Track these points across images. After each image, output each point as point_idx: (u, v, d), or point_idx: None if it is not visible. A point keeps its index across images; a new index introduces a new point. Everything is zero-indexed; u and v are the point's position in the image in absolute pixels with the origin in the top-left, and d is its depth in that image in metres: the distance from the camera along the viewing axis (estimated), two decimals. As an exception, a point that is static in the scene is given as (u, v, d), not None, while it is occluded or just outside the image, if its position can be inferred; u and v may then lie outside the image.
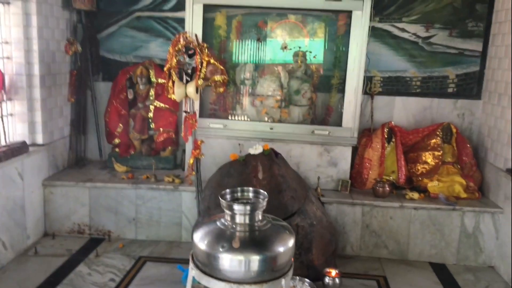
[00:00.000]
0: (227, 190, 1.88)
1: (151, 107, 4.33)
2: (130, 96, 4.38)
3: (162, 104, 4.29)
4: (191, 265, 1.73)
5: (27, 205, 3.69)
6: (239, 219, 1.61)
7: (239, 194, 1.88)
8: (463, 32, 4.18)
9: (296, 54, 4.13)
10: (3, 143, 3.65)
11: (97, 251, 3.67)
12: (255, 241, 1.61)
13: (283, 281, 1.55)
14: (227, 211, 1.68)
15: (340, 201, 3.83)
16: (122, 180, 4.01)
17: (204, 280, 1.65)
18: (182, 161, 4.33)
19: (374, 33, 4.19)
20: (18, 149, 3.57)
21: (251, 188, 1.79)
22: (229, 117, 4.18)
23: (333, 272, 3.30)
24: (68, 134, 4.38)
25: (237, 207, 1.63)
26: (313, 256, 3.34)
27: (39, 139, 3.93)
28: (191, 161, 3.57)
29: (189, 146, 3.89)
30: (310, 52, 4.13)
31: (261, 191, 1.66)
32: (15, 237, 3.55)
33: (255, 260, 1.51)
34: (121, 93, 4.34)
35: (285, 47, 4.13)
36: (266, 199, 1.64)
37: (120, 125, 4.36)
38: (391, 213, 3.81)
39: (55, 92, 4.11)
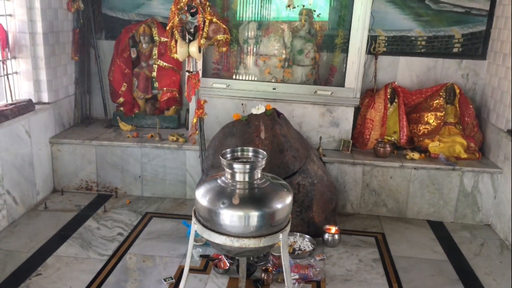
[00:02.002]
0: (228, 150, 1.94)
1: (155, 66, 4.33)
2: (134, 55, 4.38)
3: (165, 63, 4.29)
4: (193, 220, 1.81)
5: (35, 162, 3.79)
6: (239, 177, 1.67)
7: (239, 153, 1.93)
8: (471, -10, 4.10)
9: (300, 13, 4.08)
10: (9, 101, 3.70)
11: (105, 207, 3.80)
12: (254, 197, 1.68)
13: (280, 235, 1.63)
14: (228, 170, 1.75)
15: (341, 161, 3.90)
16: (127, 139, 4.08)
17: (206, 234, 1.73)
18: (186, 120, 4.38)
19: (380, -9, 4.11)
20: (24, 107, 3.63)
21: (250, 148, 1.84)
22: (232, 77, 4.19)
23: (333, 229, 3.41)
24: (73, 93, 4.43)
25: (237, 165, 1.69)
26: (313, 213, 3.44)
27: (45, 97, 3.97)
28: (195, 120, 3.62)
29: (192, 106, 3.92)
30: (314, 10, 4.07)
31: (261, 150, 1.72)
32: (25, 192, 3.67)
33: (254, 215, 1.58)
34: (124, 52, 4.34)
35: (289, 5, 4.07)
36: (265, 159, 1.70)
37: (124, 84, 4.38)
38: (391, 172, 3.88)
39: (58, 50, 4.12)
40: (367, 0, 3.76)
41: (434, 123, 4.09)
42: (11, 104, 3.55)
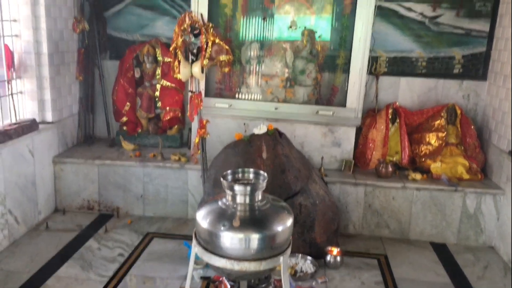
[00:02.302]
0: (229, 171, 1.95)
1: (158, 86, 4.37)
2: (137, 75, 4.42)
3: (168, 83, 4.33)
4: (194, 242, 1.81)
5: (38, 181, 3.80)
6: (239, 199, 1.68)
7: (240, 175, 1.94)
8: (471, 12, 4.14)
9: (302, 33, 4.13)
10: (13, 120, 3.73)
11: (106, 227, 3.79)
12: (254, 220, 1.68)
13: (281, 258, 1.62)
14: (228, 191, 1.75)
15: (343, 181, 3.89)
16: (129, 158, 4.10)
17: (206, 256, 1.73)
18: (189, 139, 4.40)
19: (381, 13, 4.16)
20: (28, 127, 3.65)
21: (251, 169, 1.85)
22: (235, 97, 4.22)
23: (335, 250, 3.39)
24: (77, 112, 4.46)
25: (237, 187, 1.70)
26: (315, 234, 3.42)
27: (49, 117, 4.01)
28: (197, 140, 3.64)
29: (195, 125, 3.95)
30: (316, 32, 4.12)
31: (261, 172, 1.72)
32: (27, 212, 3.67)
33: (254, 238, 1.58)
34: (128, 72, 4.39)
35: (291, 26, 4.12)
36: (265, 180, 1.70)
37: (128, 103, 4.42)
38: (393, 193, 3.87)
39: (63, 70, 4.17)
40: (368, 22, 3.81)
41: (436, 144, 4.10)
42: (15, 124, 3.58)
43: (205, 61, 3.37)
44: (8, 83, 3.71)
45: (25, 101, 3.90)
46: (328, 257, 3.35)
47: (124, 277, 3.10)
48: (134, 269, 3.21)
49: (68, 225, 3.83)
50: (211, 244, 1.67)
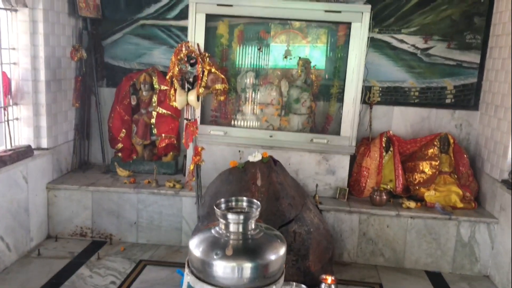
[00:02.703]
0: (222, 200, 1.95)
1: (154, 113, 4.41)
2: (134, 102, 4.47)
3: (164, 111, 4.37)
4: (186, 270, 1.80)
5: (31, 208, 3.77)
6: (233, 227, 1.68)
7: (233, 203, 1.95)
8: (461, 44, 4.25)
9: (297, 63, 4.21)
10: (8, 146, 3.74)
11: (99, 254, 3.75)
12: (247, 249, 1.68)
13: (274, 287, 1.62)
14: (222, 220, 1.76)
15: (338, 209, 3.90)
16: (124, 185, 4.09)
17: (199, 286, 1.72)
18: (184, 166, 4.41)
19: (374, 44, 4.27)
20: (23, 153, 3.65)
21: (245, 198, 1.86)
22: (230, 124, 4.26)
23: (329, 279, 3.34)
24: (72, 139, 4.47)
25: (231, 216, 1.71)
26: (309, 262, 3.39)
27: (44, 143, 4.02)
28: (192, 167, 3.65)
29: (190, 153, 3.96)
30: (310, 61, 4.21)
31: (255, 200, 1.73)
32: (19, 239, 3.63)
33: (247, 267, 1.58)
34: (124, 99, 4.43)
35: (286, 56, 4.21)
36: (259, 209, 1.72)
37: (123, 130, 4.44)
38: (387, 221, 3.87)
39: (60, 97, 4.20)
40: (361, 53, 3.89)
41: (429, 172, 4.13)
42: (10, 150, 3.58)
43: (201, 90, 3.42)
44: (4, 109, 3.74)
45: (21, 127, 3.92)
46: (323, 286, 3.30)
47: (116, 306, 3.06)
48: (126, 298, 3.17)
49: (60, 252, 3.79)
50: (203, 273, 1.67)
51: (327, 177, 4.12)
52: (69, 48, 4.25)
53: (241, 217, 1.66)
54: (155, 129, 4.44)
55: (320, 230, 3.50)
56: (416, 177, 4.16)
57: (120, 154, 4.50)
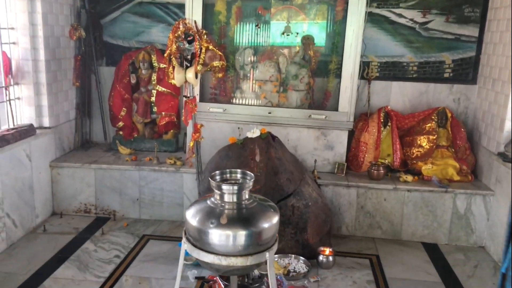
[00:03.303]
0: (217, 172, 2.02)
1: (154, 92, 4.45)
2: (133, 81, 4.50)
3: (164, 89, 4.41)
4: (183, 239, 1.88)
5: (35, 185, 3.86)
6: (227, 198, 1.75)
7: (228, 175, 2.01)
8: (460, 17, 4.23)
9: (302, 40, 4.21)
10: (11, 125, 3.80)
11: (103, 230, 3.85)
12: (241, 217, 1.75)
13: (267, 254, 1.69)
14: (217, 191, 1.83)
15: (336, 183, 3.96)
16: (126, 162, 4.16)
17: (195, 253, 1.80)
18: (184, 144, 4.47)
19: (372, 19, 4.26)
20: (25, 132, 3.72)
21: (239, 170, 1.92)
22: (229, 102, 4.30)
23: (327, 251, 3.45)
24: (73, 118, 4.53)
25: (225, 186, 1.77)
26: (308, 235, 3.48)
27: (46, 122, 4.08)
28: (191, 144, 3.71)
29: (189, 130, 4.02)
30: (313, 39, 4.21)
31: (248, 172, 1.79)
32: (25, 215, 3.73)
33: (241, 235, 1.65)
34: (124, 78, 4.46)
35: (284, 32, 4.21)
36: (252, 180, 1.78)
37: (124, 108, 4.49)
38: (385, 195, 3.94)
39: (60, 76, 4.24)
40: (358, 28, 3.89)
41: (427, 146, 4.17)
42: (12, 129, 3.65)
43: (199, 67, 3.45)
44: (5, 89, 3.78)
45: (23, 107, 3.97)
46: (321, 257, 3.41)
47: (120, 278, 3.16)
48: (130, 270, 3.27)
49: (65, 228, 3.89)
50: (200, 241, 1.74)
51: (326, 153, 4.18)
52: (68, 27, 4.27)
53: (235, 187, 1.72)
54: (155, 107, 4.49)
55: (318, 204, 3.57)
56: (414, 151, 4.21)
57: (121, 133, 4.56)
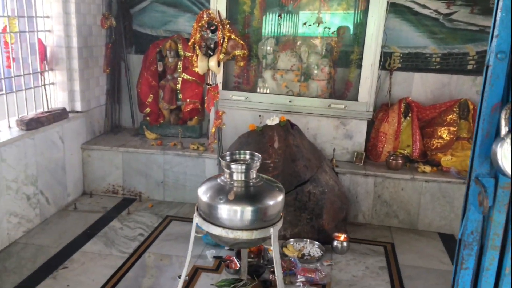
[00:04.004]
0: (227, 153, 2.16)
1: (179, 79, 4.62)
2: (160, 68, 4.68)
3: (189, 76, 4.56)
4: (195, 213, 2.03)
5: (67, 166, 4.10)
6: (236, 176, 1.88)
7: (237, 156, 2.14)
8: (484, 9, 4.19)
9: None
10: (45, 109, 4.04)
11: (129, 210, 4.07)
12: (248, 194, 1.89)
13: (271, 229, 1.82)
14: (226, 170, 1.96)
15: (354, 172, 4.04)
16: (151, 146, 4.36)
17: (205, 226, 1.94)
18: (207, 130, 4.63)
19: (395, 9, 4.27)
20: (59, 115, 3.95)
21: (248, 151, 2.04)
22: (251, 90, 4.42)
23: (342, 237, 3.55)
24: (104, 103, 4.75)
25: (234, 166, 1.91)
26: (323, 221, 3.59)
27: (78, 107, 4.31)
28: (213, 130, 3.85)
29: (212, 117, 4.16)
30: (329, 28, 4.27)
31: (256, 154, 1.91)
32: (57, 194, 3.98)
33: (247, 210, 1.79)
34: (151, 66, 4.64)
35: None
36: (259, 160, 1.90)
37: (151, 95, 4.68)
38: (402, 184, 3.99)
39: (91, 63, 4.46)
40: (380, 19, 3.93)
41: (447, 138, 4.18)
42: (47, 112, 3.88)
43: (221, 56, 3.58)
44: (41, 74, 4.02)
45: (57, 91, 4.21)
46: (335, 243, 3.51)
47: (143, 254, 3.36)
48: (153, 247, 3.46)
49: (94, 207, 4.13)
50: (210, 216, 1.89)
51: (345, 142, 4.25)
52: (99, 16, 4.47)
53: (243, 167, 1.85)
54: (181, 95, 4.65)
55: (335, 191, 3.67)
56: (434, 142, 4.23)
57: (148, 118, 4.76)
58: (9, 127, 3.59)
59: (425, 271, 3.34)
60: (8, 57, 3.68)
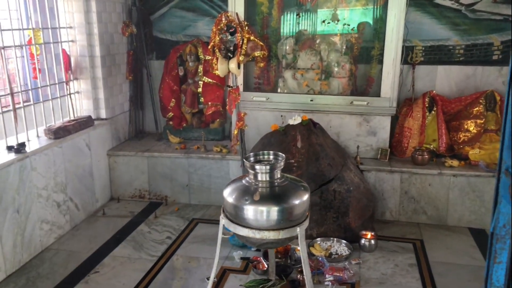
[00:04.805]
0: (251, 153, 2.17)
1: (200, 83, 4.66)
2: (181, 73, 4.73)
3: (210, 80, 4.60)
4: (222, 215, 2.04)
5: (95, 172, 4.19)
6: (260, 177, 1.88)
7: (261, 156, 2.14)
8: (508, -3, 4.09)
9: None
10: (72, 117, 4.14)
11: (156, 213, 4.12)
12: (274, 195, 1.89)
13: (298, 229, 1.81)
14: (251, 171, 1.97)
15: (379, 169, 3.99)
16: (175, 151, 4.41)
17: (232, 227, 1.95)
18: (230, 132, 4.65)
19: (415, 2, 4.21)
20: (85, 123, 4.04)
21: (271, 152, 2.05)
22: (272, 90, 4.42)
23: (369, 234, 3.51)
24: (128, 109, 4.83)
25: (258, 166, 1.91)
26: (350, 219, 3.56)
27: (103, 114, 4.39)
28: (236, 132, 3.87)
29: (234, 118, 4.18)
30: (349, 25, 4.24)
31: (280, 153, 1.91)
32: (86, 200, 4.06)
33: (273, 210, 1.79)
34: (172, 70, 4.70)
35: (324, 21, 4.26)
36: (283, 160, 1.90)
37: (173, 100, 4.73)
38: (430, 180, 3.92)
39: (114, 71, 4.54)
40: (400, 12, 3.88)
41: (474, 131, 4.09)
42: (73, 120, 3.97)
43: (241, 57, 3.59)
44: (66, 84, 4.11)
45: (82, 100, 4.30)
46: (363, 241, 3.48)
47: (171, 257, 3.40)
48: (180, 250, 3.50)
49: (122, 212, 4.20)
50: (236, 217, 1.90)
51: (368, 139, 4.20)
52: (120, 24, 4.55)
53: (268, 167, 1.86)
54: (202, 98, 4.69)
55: (360, 189, 3.63)
56: (461, 136, 4.14)
57: (171, 123, 4.81)
58: (38, 136, 3.69)
59: (456, 267, 3.28)
60: (34, 69, 3.79)
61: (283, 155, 1.97)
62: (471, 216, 3.91)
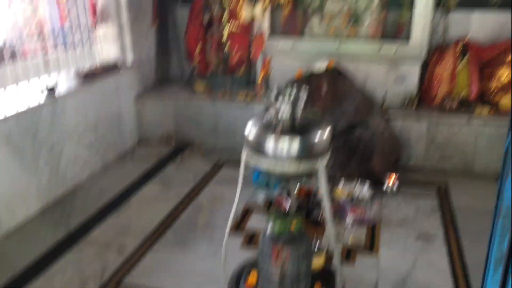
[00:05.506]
0: (274, 88, 2.20)
1: (226, 30, 4.61)
2: (206, 20, 4.69)
3: (235, 26, 4.54)
4: (244, 147, 2.11)
5: (123, 116, 4.30)
6: (282, 109, 1.90)
7: (284, 91, 2.15)
8: None
9: None
10: (99, 63, 4.21)
11: (182, 156, 4.24)
12: (295, 126, 1.92)
13: (318, 161, 1.86)
14: (273, 103, 1.99)
15: (406, 116, 3.94)
16: (201, 96, 4.45)
17: (254, 159, 2.02)
18: (255, 79, 4.64)
19: None
20: (112, 68, 4.11)
21: (294, 86, 2.05)
22: (298, 37, 4.35)
23: (392, 178, 3.52)
24: (153, 56, 4.87)
25: (280, 97, 1.93)
26: (373, 164, 3.56)
27: (129, 60, 4.44)
28: (261, 77, 3.87)
29: (259, 65, 4.17)
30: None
31: (303, 87, 1.92)
32: (115, 141, 4.20)
33: (294, 142, 1.82)
34: (198, 17, 4.65)
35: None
36: (306, 94, 1.91)
37: (198, 47, 4.72)
38: (457, 128, 3.86)
39: (140, 17, 4.54)
40: (434, -49, 3.70)
41: (508, 78, 3.97)
42: (101, 66, 4.04)
43: (266, 3, 3.53)
44: (93, 29, 4.15)
45: (109, 45, 4.35)
46: (386, 184, 3.50)
47: (197, 196, 3.52)
48: (206, 190, 3.62)
49: (150, 154, 4.32)
50: (258, 149, 1.96)
51: (396, 86, 4.13)
52: (146, -31, 4.51)
53: (290, 98, 1.88)
54: (227, 45, 4.66)
55: (385, 135, 3.62)
56: (493, 84, 4.03)
57: (196, 69, 4.83)
58: (67, 80, 3.78)
59: (480, 213, 3.27)
60: (61, 15, 3.83)
61: (307, 87, 1.98)
62: (499, 164, 3.83)
